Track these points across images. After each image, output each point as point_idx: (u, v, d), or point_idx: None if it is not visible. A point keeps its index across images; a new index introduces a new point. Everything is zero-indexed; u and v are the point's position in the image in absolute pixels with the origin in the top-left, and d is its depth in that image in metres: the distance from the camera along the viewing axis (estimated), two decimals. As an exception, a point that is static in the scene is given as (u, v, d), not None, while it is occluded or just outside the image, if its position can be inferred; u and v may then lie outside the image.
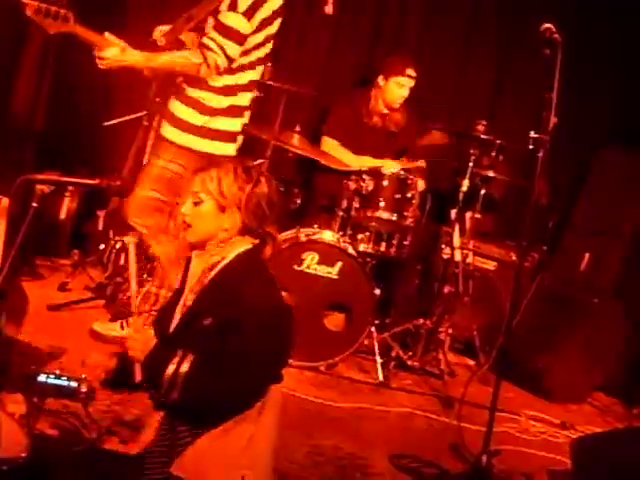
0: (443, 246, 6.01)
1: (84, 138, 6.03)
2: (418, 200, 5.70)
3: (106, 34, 4.40)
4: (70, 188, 6.10)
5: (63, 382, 3.90)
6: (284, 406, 2.99)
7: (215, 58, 4.55)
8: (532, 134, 4.24)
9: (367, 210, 5.57)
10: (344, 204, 5.59)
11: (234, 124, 4.80)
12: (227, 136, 4.79)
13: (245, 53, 4.68)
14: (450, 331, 5.80)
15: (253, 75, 4.81)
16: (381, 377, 5.39)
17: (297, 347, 5.20)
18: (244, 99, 4.82)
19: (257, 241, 2.90)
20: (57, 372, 3.96)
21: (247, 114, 4.91)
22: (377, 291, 5.40)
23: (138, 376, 2.79)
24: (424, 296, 6.10)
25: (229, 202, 2.83)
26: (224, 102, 4.73)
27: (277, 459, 4.02)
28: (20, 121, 5.75)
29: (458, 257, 5.80)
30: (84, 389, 3.93)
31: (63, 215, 6.15)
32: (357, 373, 5.52)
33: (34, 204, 2.83)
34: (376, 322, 5.58)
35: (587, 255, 6.44)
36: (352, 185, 5.57)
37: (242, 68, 4.72)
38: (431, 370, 5.72)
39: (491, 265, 6.30)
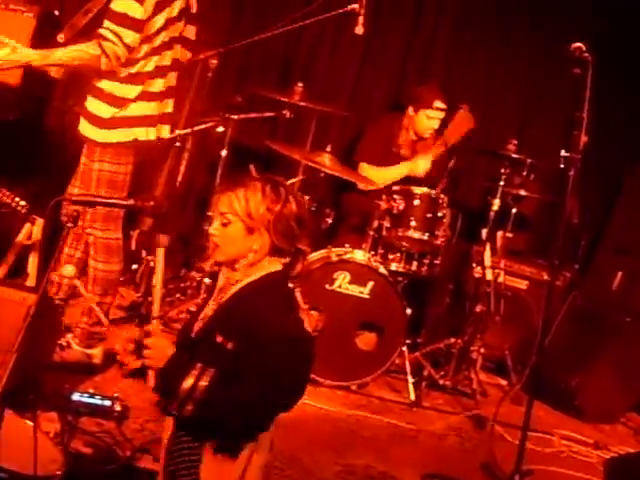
0: (474, 265, 6.01)
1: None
2: (449, 219, 5.70)
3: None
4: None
5: (97, 401, 3.94)
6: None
7: (113, 48, 4.31)
8: (563, 153, 4.24)
9: (398, 229, 5.57)
10: (375, 224, 5.60)
11: (149, 108, 4.58)
12: (143, 121, 4.57)
13: (147, 40, 4.46)
14: (482, 350, 5.77)
15: (160, 60, 4.58)
16: (413, 396, 5.37)
17: (328, 366, 5.24)
18: (156, 85, 4.60)
19: (287, 260, 2.84)
20: (91, 391, 4.01)
21: (167, 101, 4.72)
22: (408, 310, 5.40)
23: (151, 382, 2.76)
24: (456, 315, 6.08)
25: (257, 223, 2.76)
26: (132, 92, 4.50)
27: (308, 477, 4.08)
28: (53, 142, 5.81)
29: (489, 276, 5.79)
30: (118, 408, 3.97)
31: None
32: (388, 392, 5.51)
33: (69, 225, 2.86)
34: (408, 341, 5.57)
35: (619, 274, 6.41)
36: (383, 205, 5.57)
37: (145, 55, 4.49)
38: (463, 389, 5.70)
39: (523, 284, 6.29)
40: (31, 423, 3.17)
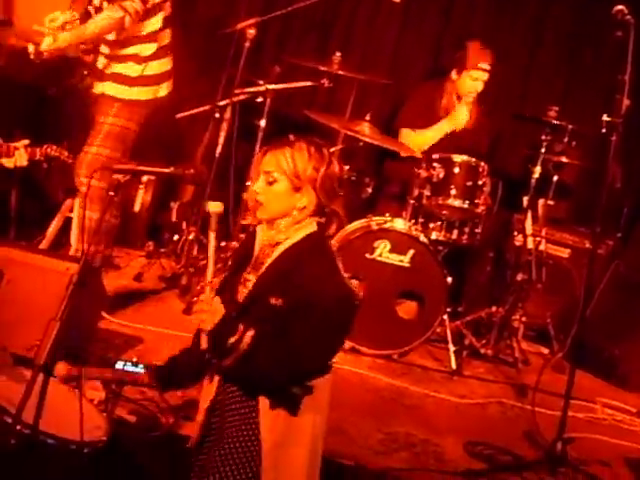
0: (515, 233, 5.97)
1: (157, 131, 6.10)
2: (490, 187, 5.65)
3: (34, 26, 4.58)
4: (144, 180, 6.19)
5: (140, 369, 3.98)
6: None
7: (133, 5, 4.76)
8: (605, 118, 4.19)
9: (438, 198, 5.54)
10: (415, 192, 5.57)
11: (164, 64, 5.10)
12: (161, 78, 5.09)
13: None
14: (523, 319, 5.74)
15: (165, 14, 5.03)
16: (454, 365, 5.37)
17: (370, 335, 5.25)
18: (165, 39, 5.07)
19: (323, 220, 2.88)
20: (134, 360, 4.04)
21: (170, 57, 5.16)
22: (449, 279, 5.38)
23: (203, 344, 2.81)
24: (497, 284, 6.06)
25: (304, 182, 2.81)
26: (150, 49, 5.00)
27: (352, 445, 4.09)
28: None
29: (531, 244, 5.75)
30: (161, 376, 4.00)
31: (137, 207, 6.24)
32: (430, 361, 5.51)
33: (111, 193, 2.87)
34: (448, 310, 5.55)
35: (663, 242, 6.34)
36: (423, 173, 5.54)
37: (155, 12, 4.95)
38: (504, 358, 5.68)
39: (564, 252, 6.24)
40: (76, 391, 3.20)
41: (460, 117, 5.87)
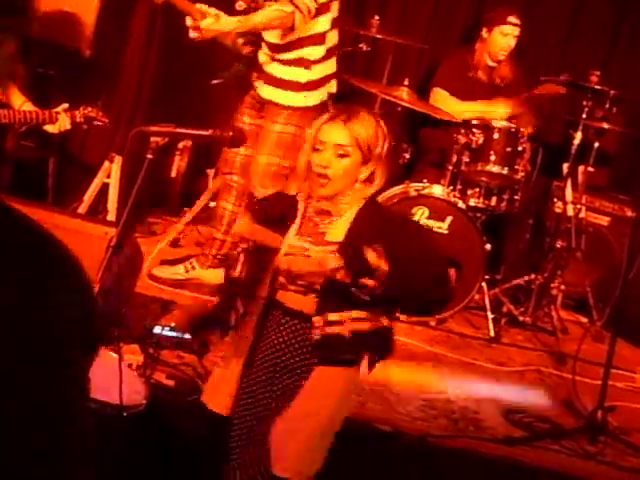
0: (555, 200, 5.90)
1: (193, 96, 6.08)
2: (529, 153, 5.58)
3: (199, 5, 4.44)
4: (180, 147, 6.18)
5: (178, 334, 4.00)
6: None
7: (305, 2, 4.53)
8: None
9: (477, 164, 5.48)
10: (454, 158, 5.51)
11: (329, 66, 4.90)
12: (326, 81, 4.88)
13: None
14: (562, 287, 5.69)
15: (333, 15, 4.83)
16: (492, 333, 5.33)
17: (407, 302, 5.21)
18: (332, 39, 4.88)
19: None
20: (172, 324, 4.06)
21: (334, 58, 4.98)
22: (488, 246, 5.33)
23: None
24: (535, 251, 6.00)
25: (374, 155, 2.76)
26: (320, 51, 4.79)
27: (390, 412, 4.08)
28: (131, 81, 5.82)
29: (570, 212, 5.68)
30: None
31: (174, 174, 6.23)
32: (468, 328, 5.47)
33: (149, 155, 2.85)
34: (487, 277, 5.50)
35: None
36: (462, 139, 5.48)
37: (323, 9, 4.71)
38: (543, 326, 5.64)
39: (604, 220, 6.15)
40: (115, 355, 3.20)
41: (499, 113, 5.73)
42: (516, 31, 5.80)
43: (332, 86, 4.95)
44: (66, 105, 4.44)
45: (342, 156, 2.75)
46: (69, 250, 1.25)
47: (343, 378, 2.86)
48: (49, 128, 4.46)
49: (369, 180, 2.81)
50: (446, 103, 5.78)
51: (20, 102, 4.43)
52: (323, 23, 4.77)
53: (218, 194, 5.19)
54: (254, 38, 4.88)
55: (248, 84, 5.02)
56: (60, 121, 4.39)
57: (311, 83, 4.78)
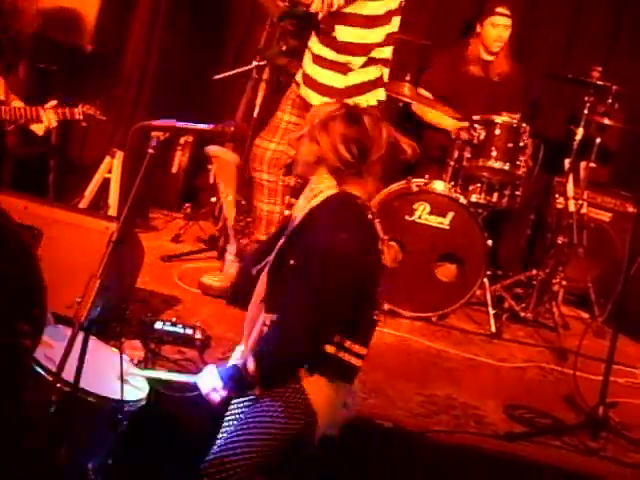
0: (557, 196, 5.89)
1: (195, 91, 6.08)
2: (531, 149, 5.57)
3: None
4: (182, 142, 6.18)
5: (179, 329, 3.99)
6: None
7: None
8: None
9: (479, 160, 5.47)
10: (455, 154, 5.51)
11: (371, 73, 4.68)
12: (366, 88, 4.67)
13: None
14: (564, 283, 5.68)
15: (390, 29, 4.66)
16: (493, 328, 5.33)
17: (408, 297, 5.23)
18: (385, 53, 4.70)
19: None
20: (173, 320, 4.05)
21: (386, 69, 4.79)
22: (489, 242, 5.32)
23: None
24: (537, 247, 6.00)
25: (321, 134, 2.81)
26: (359, 61, 4.62)
27: (391, 407, 4.08)
28: (133, 75, 5.82)
29: (572, 207, 5.66)
30: (199, 336, 4.01)
31: (175, 169, 6.23)
32: (469, 324, 5.47)
33: (150, 150, 2.85)
34: (488, 273, 5.50)
35: None
36: (463, 134, 5.48)
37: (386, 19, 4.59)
38: (544, 322, 5.63)
39: (606, 216, 6.15)
40: (116, 350, 3.20)
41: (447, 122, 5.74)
42: (506, 21, 5.81)
43: (379, 94, 4.76)
44: (54, 102, 4.42)
45: (299, 138, 2.93)
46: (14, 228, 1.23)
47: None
48: (35, 128, 4.44)
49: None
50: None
51: (8, 99, 4.43)
52: (377, 34, 4.59)
53: (253, 194, 5.04)
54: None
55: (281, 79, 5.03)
56: (45, 120, 4.36)
57: (349, 89, 4.61)
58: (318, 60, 4.66)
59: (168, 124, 3.00)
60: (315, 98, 4.64)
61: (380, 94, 4.76)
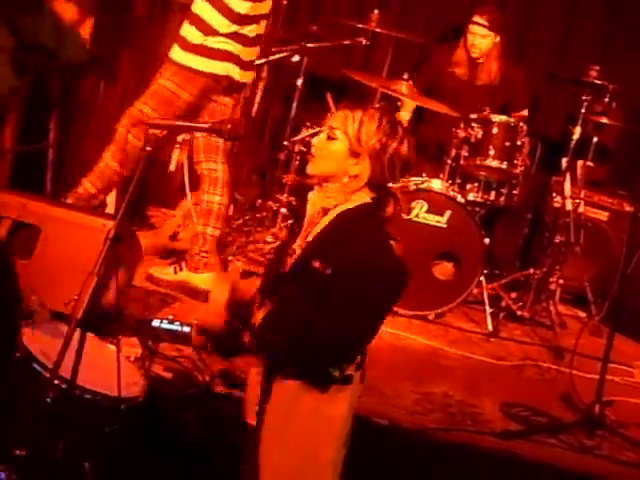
0: (554, 195, 5.89)
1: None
2: (528, 148, 5.58)
3: None
4: (180, 140, 6.17)
5: (176, 327, 3.99)
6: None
7: None
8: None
9: (476, 158, 5.48)
10: (453, 153, 5.52)
11: (235, 47, 4.74)
12: (224, 56, 4.74)
13: None
14: (561, 282, 5.69)
15: (257, 9, 4.74)
16: (490, 327, 5.34)
17: (406, 296, 5.15)
18: (249, 30, 4.77)
19: (377, 197, 2.74)
20: (170, 317, 4.05)
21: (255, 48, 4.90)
22: (487, 240, 5.33)
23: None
24: (534, 246, 6.00)
25: (363, 150, 2.68)
26: (225, 27, 4.69)
27: (387, 405, 4.09)
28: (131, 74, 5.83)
29: (569, 206, 5.67)
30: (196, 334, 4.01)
31: (173, 167, 6.22)
32: (466, 323, 5.48)
33: (147, 148, 2.84)
34: (485, 272, 5.50)
35: None
36: (461, 133, 5.48)
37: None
38: (541, 321, 5.63)
39: (603, 215, 6.15)
40: (113, 347, 3.21)
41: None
42: (482, 31, 5.80)
43: (233, 71, 4.82)
44: None
45: (330, 139, 2.73)
46: None
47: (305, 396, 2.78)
48: None
49: (359, 177, 2.76)
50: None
51: None
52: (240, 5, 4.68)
53: (199, 186, 5.07)
54: None
55: None
56: None
57: (203, 48, 4.70)
58: (191, 17, 4.74)
59: (165, 122, 3.01)
60: (175, 52, 4.75)
61: (234, 72, 4.82)
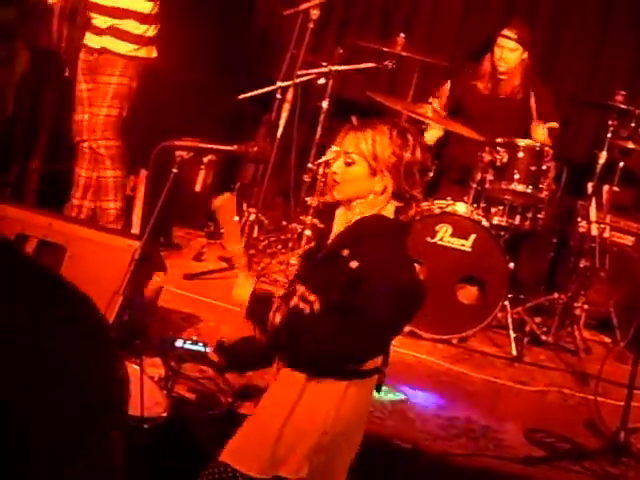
0: (579, 220, 5.87)
1: (220, 110, 6.11)
2: (554, 172, 5.56)
3: None
4: (205, 161, 6.19)
5: (199, 348, 4.00)
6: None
7: None
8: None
9: (501, 182, 5.47)
10: (478, 176, 5.50)
11: (155, 28, 5.13)
12: (153, 40, 5.15)
13: None
14: (585, 307, 5.66)
15: None
16: (514, 352, 5.31)
17: (429, 319, 5.21)
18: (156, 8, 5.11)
19: (400, 204, 2.78)
20: (194, 338, 4.07)
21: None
22: (511, 265, 5.31)
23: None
24: (559, 271, 5.97)
25: (381, 165, 2.73)
26: (153, 9, 5.06)
27: (411, 430, 4.07)
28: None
29: (595, 231, 5.65)
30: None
31: (199, 187, 6.23)
32: (490, 347, 5.45)
33: (174, 170, 2.87)
34: (509, 296, 5.48)
35: None
36: (486, 157, 5.47)
37: None
38: (566, 346, 5.60)
39: (629, 240, 6.11)
40: (137, 367, 3.21)
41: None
42: (510, 44, 5.76)
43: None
44: None
45: (348, 164, 2.77)
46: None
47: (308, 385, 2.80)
48: None
49: (384, 192, 2.80)
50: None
51: None
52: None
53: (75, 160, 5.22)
54: None
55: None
56: None
57: (144, 38, 5.06)
58: (119, 13, 5.03)
59: (191, 144, 3.03)
60: (114, 45, 5.01)
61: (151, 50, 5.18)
